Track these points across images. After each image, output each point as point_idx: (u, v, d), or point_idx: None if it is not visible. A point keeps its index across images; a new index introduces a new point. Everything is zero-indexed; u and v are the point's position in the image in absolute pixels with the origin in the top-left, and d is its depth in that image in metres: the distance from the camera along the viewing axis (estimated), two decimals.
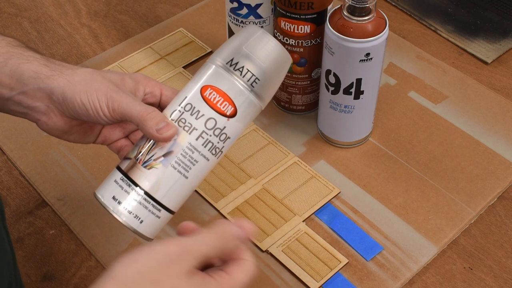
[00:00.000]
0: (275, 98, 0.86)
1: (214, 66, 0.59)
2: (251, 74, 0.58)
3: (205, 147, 0.58)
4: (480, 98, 0.88)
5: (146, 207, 0.57)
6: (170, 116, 0.58)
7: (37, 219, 0.76)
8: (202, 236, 0.50)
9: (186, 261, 0.48)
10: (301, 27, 0.76)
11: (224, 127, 0.58)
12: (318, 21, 0.76)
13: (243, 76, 0.58)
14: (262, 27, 0.82)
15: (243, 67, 0.58)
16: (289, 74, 0.81)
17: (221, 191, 0.77)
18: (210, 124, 0.58)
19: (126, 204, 0.57)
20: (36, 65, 0.60)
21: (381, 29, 0.72)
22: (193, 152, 0.57)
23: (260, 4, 0.80)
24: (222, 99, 0.58)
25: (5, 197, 0.78)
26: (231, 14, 0.83)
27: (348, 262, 0.71)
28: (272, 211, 0.75)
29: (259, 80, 0.58)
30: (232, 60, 0.58)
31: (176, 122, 0.58)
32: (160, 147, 0.57)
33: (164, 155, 0.57)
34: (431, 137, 0.83)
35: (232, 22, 0.83)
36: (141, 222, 0.57)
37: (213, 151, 0.58)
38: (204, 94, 0.58)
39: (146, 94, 0.62)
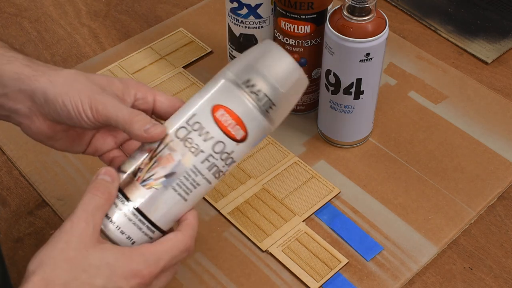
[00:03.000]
0: None
1: (228, 83, 0.55)
2: (268, 99, 0.54)
3: (209, 170, 0.55)
4: (480, 98, 0.88)
5: (140, 229, 0.54)
6: (176, 133, 0.55)
7: (37, 219, 0.76)
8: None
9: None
10: (301, 27, 0.76)
11: (232, 151, 0.55)
12: (318, 21, 0.76)
13: (259, 101, 0.54)
14: (262, 27, 0.82)
15: (260, 90, 0.54)
16: None
17: (221, 191, 0.77)
18: (218, 147, 0.54)
19: (119, 223, 0.54)
20: (18, 65, 0.58)
21: (381, 29, 0.72)
22: (196, 175, 0.54)
23: (260, 4, 0.80)
24: (235, 123, 0.54)
25: (5, 197, 0.78)
26: (231, 14, 0.83)
27: (348, 262, 0.71)
28: (272, 211, 0.75)
29: (275, 106, 0.55)
30: (248, 80, 0.54)
31: (182, 142, 0.54)
32: (162, 166, 0.54)
33: (166, 176, 0.54)
34: (431, 137, 0.83)
35: (232, 22, 0.83)
36: (133, 243, 0.54)
37: (217, 175, 0.55)
38: (215, 115, 0.54)
39: (137, 99, 0.59)
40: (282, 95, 0.55)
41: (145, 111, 0.58)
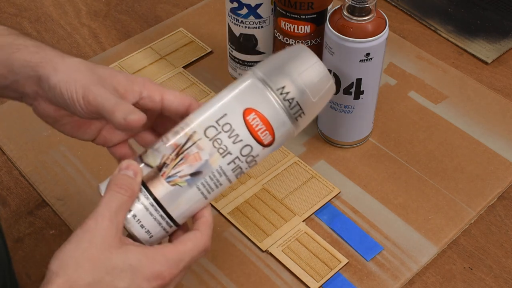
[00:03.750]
0: None
1: (261, 86, 0.55)
2: (299, 108, 0.55)
3: (233, 172, 0.55)
4: (480, 98, 0.88)
5: (160, 224, 0.54)
6: (205, 132, 0.54)
7: (37, 219, 0.76)
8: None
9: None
10: (301, 27, 0.76)
11: (258, 155, 0.55)
12: (318, 21, 0.76)
13: (291, 108, 0.55)
14: (262, 27, 0.82)
15: (293, 99, 0.54)
16: None
17: None
18: (246, 150, 0.55)
19: (140, 217, 0.54)
20: (27, 53, 0.59)
21: (381, 29, 0.72)
22: (221, 176, 0.54)
23: (260, 4, 0.80)
24: (264, 128, 0.54)
25: (5, 197, 0.78)
26: (231, 14, 0.83)
27: (348, 262, 0.71)
28: (272, 211, 0.75)
29: (304, 114, 0.55)
30: (283, 87, 0.54)
31: (211, 141, 0.54)
32: (188, 164, 0.54)
33: (192, 174, 0.54)
34: (431, 137, 0.83)
35: (232, 22, 0.83)
36: (151, 237, 0.54)
37: (238, 175, 0.56)
38: (247, 118, 0.54)
39: (142, 98, 0.58)
40: (313, 105, 0.55)
41: (151, 110, 0.59)
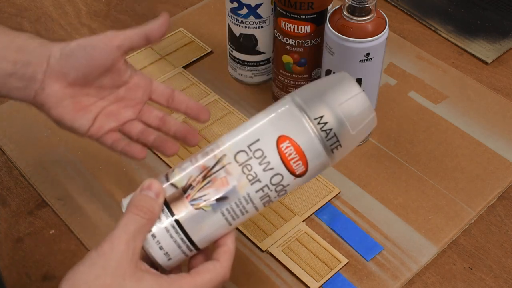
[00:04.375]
0: (275, 98, 0.86)
1: (298, 113, 0.52)
2: (336, 140, 0.52)
3: (261, 200, 0.53)
4: (480, 98, 0.88)
5: (180, 247, 0.52)
6: (235, 156, 0.52)
7: (37, 219, 0.76)
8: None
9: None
10: (301, 27, 0.76)
11: (288, 184, 0.53)
12: (318, 21, 0.76)
13: (328, 140, 0.52)
14: (262, 27, 0.82)
15: (331, 130, 0.52)
16: (289, 74, 0.81)
17: None
18: (276, 179, 0.52)
19: (160, 239, 0.51)
20: (41, 40, 0.62)
21: (381, 29, 0.72)
22: (247, 203, 0.52)
23: (260, 4, 0.80)
24: (298, 158, 0.52)
25: (5, 197, 0.78)
26: (231, 14, 0.83)
27: (348, 262, 0.71)
28: (272, 211, 0.75)
29: (341, 146, 0.53)
30: (322, 117, 0.52)
31: (240, 167, 0.52)
32: (215, 188, 0.52)
33: (217, 199, 0.52)
34: (431, 137, 0.83)
35: (232, 22, 0.83)
36: (169, 259, 0.52)
37: (266, 204, 0.53)
38: (280, 146, 0.52)
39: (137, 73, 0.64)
40: (351, 136, 0.53)
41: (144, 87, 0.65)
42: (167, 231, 0.52)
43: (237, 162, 0.52)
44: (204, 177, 0.52)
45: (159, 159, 0.80)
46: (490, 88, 0.89)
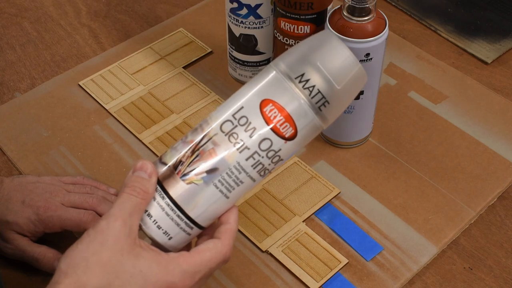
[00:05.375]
0: None
1: (280, 76, 0.52)
2: (321, 96, 0.51)
3: (254, 168, 0.52)
4: (480, 98, 0.88)
5: (178, 225, 0.52)
6: (221, 127, 0.52)
7: None
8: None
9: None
10: (301, 27, 0.76)
11: (280, 149, 0.52)
12: (318, 21, 0.76)
13: (312, 97, 0.51)
14: (262, 27, 0.82)
15: (314, 86, 0.51)
16: None
17: None
18: (265, 145, 0.51)
19: (156, 217, 0.52)
20: None
21: (381, 29, 0.72)
22: (240, 173, 0.52)
23: (260, 4, 0.80)
24: (283, 119, 0.51)
25: None
26: (231, 14, 0.83)
27: (348, 262, 0.71)
28: (272, 211, 0.75)
29: (328, 103, 0.51)
30: (302, 75, 0.51)
31: (226, 136, 0.51)
32: (204, 161, 0.51)
33: (208, 172, 0.51)
34: (431, 137, 0.83)
35: (232, 22, 0.83)
36: (169, 238, 0.52)
37: (262, 173, 0.52)
38: (264, 110, 0.51)
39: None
40: (337, 91, 0.51)
41: None
42: (162, 209, 0.52)
43: (223, 132, 0.52)
44: (193, 152, 0.52)
45: None
46: (490, 88, 0.89)
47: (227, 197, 0.52)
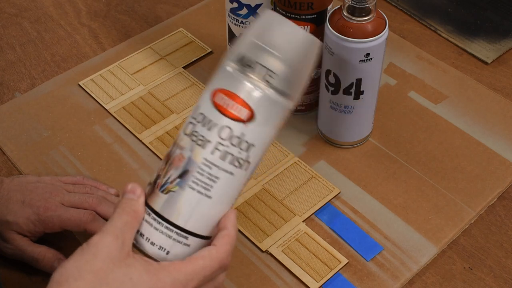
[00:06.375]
0: None
1: (225, 66, 0.52)
2: (265, 68, 0.50)
3: (224, 160, 0.51)
4: (480, 98, 0.88)
5: (169, 236, 0.52)
6: (184, 130, 0.53)
7: None
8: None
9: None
10: (301, 27, 0.76)
11: (243, 134, 0.51)
12: (318, 21, 0.76)
13: (256, 73, 0.50)
14: None
15: (255, 62, 0.50)
16: None
17: None
18: (225, 133, 0.50)
19: (148, 235, 0.52)
20: None
21: (381, 29, 0.72)
22: (210, 168, 0.51)
23: (260, 4, 0.81)
24: (233, 102, 0.50)
25: None
26: (231, 14, 0.83)
27: (348, 262, 0.71)
28: (272, 211, 0.75)
29: (274, 73, 0.50)
30: (243, 58, 0.51)
31: (189, 137, 0.51)
32: (175, 167, 0.51)
33: (180, 176, 0.51)
34: (431, 137, 0.83)
35: (232, 22, 0.83)
36: (167, 253, 0.52)
37: (236, 163, 0.51)
38: (215, 100, 0.51)
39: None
40: (280, 60, 0.50)
41: None
42: (151, 225, 0.52)
43: (186, 134, 0.52)
44: (166, 163, 0.53)
45: (160, 160, 0.80)
46: (490, 88, 0.89)
47: (209, 197, 0.52)
